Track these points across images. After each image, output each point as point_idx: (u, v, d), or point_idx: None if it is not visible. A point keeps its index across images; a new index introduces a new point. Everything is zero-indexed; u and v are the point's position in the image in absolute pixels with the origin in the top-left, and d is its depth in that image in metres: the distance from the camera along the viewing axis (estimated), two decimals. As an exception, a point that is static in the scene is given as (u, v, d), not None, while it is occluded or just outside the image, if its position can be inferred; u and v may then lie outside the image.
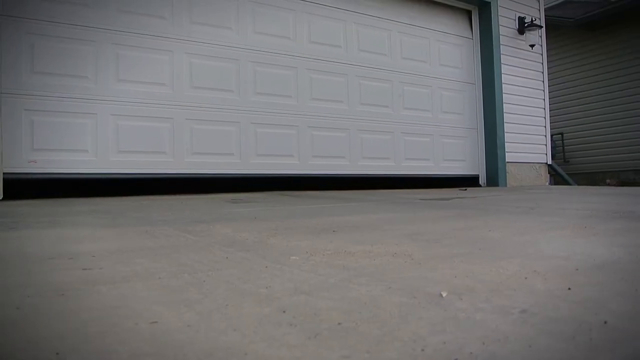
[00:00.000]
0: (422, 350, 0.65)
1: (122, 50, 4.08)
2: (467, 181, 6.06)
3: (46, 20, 3.76)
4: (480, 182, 6.03)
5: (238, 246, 1.60)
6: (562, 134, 9.50)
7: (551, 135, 9.57)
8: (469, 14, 6.04)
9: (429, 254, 1.40)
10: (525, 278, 1.07)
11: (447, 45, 5.89)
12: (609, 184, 8.45)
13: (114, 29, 4.03)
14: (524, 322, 0.76)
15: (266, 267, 1.27)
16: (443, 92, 5.83)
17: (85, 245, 1.69)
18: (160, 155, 4.21)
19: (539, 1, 6.45)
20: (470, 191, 4.86)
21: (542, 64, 6.45)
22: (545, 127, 6.47)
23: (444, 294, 0.94)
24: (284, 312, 0.85)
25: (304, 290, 1.01)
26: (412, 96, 5.59)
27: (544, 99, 6.47)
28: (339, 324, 0.78)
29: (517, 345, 0.66)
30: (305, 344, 0.69)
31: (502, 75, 5.95)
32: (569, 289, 0.97)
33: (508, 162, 5.99)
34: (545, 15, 9.07)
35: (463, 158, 6.01)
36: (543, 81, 6.46)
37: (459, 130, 5.93)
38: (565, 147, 9.48)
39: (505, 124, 5.94)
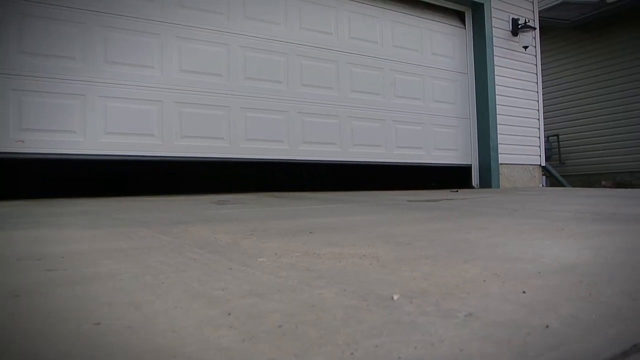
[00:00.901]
0: (352, 354, 0.65)
1: (110, 32, 4.05)
2: (460, 171, 6.07)
3: (35, 1, 3.74)
4: (473, 184, 6.02)
5: (209, 248, 1.59)
6: (558, 135, 9.49)
7: (547, 137, 9.57)
8: (461, 15, 6.04)
9: (397, 256, 1.39)
10: (484, 281, 1.06)
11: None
12: (604, 186, 8.43)
13: (103, 11, 4.00)
14: (465, 326, 0.75)
15: (230, 269, 1.27)
16: (435, 82, 5.84)
17: (58, 246, 1.68)
18: (148, 138, 4.17)
19: (532, 3, 6.44)
20: (462, 193, 4.85)
21: (536, 65, 6.45)
22: (539, 128, 6.46)
23: (396, 297, 0.93)
24: (229, 314, 0.85)
25: (259, 293, 1.00)
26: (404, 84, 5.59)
27: (538, 101, 6.46)
28: (280, 326, 0.77)
29: (449, 350, 0.66)
30: (237, 347, 0.69)
31: (496, 77, 5.94)
32: (524, 292, 0.96)
33: (501, 163, 5.98)
34: (541, 17, 9.08)
35: (455, 147, 6.02)
36: (537, 83, 6.45)
37: (451, 119, 5.92)
38: (561, 149, 9.47)
39: (498, 125, 5.93)
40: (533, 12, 6.42)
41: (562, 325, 0.75)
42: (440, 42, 5.86)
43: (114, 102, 4.05)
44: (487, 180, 5.88)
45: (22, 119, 3.69)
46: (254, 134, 4.64)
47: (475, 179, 6.00)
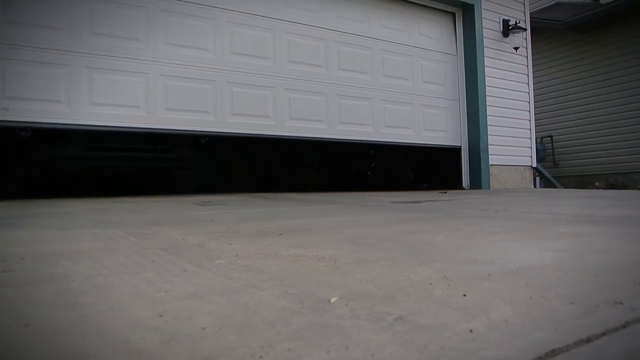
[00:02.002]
0: (261, 357, 0.64)
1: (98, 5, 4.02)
2: (449, 152, 6.09)
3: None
4: (463, 185, 6.01)
5: (173, 249, 1.59)
6: (551, 136, 9.47)
7: (541, 138, 9.57)
8: (452, 16, 6.03)
9: (356, 258, 1.38)
10: (430, 284, 1.05)
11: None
12: (597, 187, 8.42)
13: None
14: (388, 330, 0.74)
15: (185, 270, 1.26)
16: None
17: (23, 248, 1.67)
18: (135, 109, 4.12)
19: (523, 4, 6.43)
20: (450, 194, 4.84)
21: (527, 66, 6.44)
22: (530, 129, 6.45)
23: (333, 300, 0.92)
24: (160, 316, 0.84)
25: (200, 295, 1.00)
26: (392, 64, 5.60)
27: (529, 102, 6.45)
28: (203, 329, 0.76)
29: (360, 354, 0.65)
30: (152, 349, 0.68)
31: (486, 78, 5.93)
32: (464, 295, 0.96)
33: (492, 164, 5.97)
34: (535, 18, 9.08)
35: (445, 129, 6.01)
36: (528, 83, 6.44)
37: (440, 100, 5.94)
38: (555, 150, 9.46)
39: (488, 126, 5.92)
40: (524, 13, 6.41)
41: (487, 330, 0.74)
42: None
43: (100, 73, 3.98)
44: (477, 181, 5.87)
45: (6, 88, 3.61)
46: (240, 109, 4.60)
47: (465, 180, 5.99)
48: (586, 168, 9.06)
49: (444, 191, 5.24)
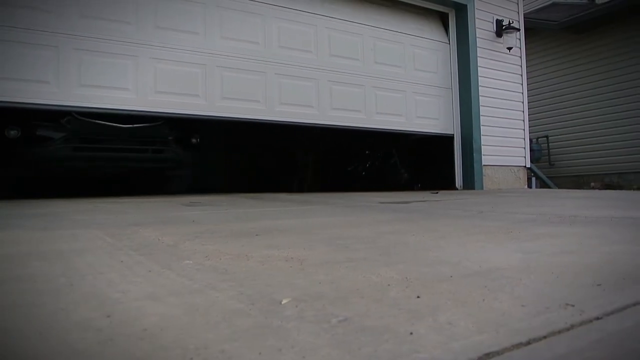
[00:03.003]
0: (191, 358, 0.64)
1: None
2: (442, 140, 6.09)
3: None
4: (456, 185, 5.99)
5: (145, 250, 1.58)
6: (547, 136, 9.46)
7: (537, 138, 9.56)
8: (445, 17, 6.02)
9: (324, 259, 1.38)
10: (388, 285, 1.05)
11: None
12: (593, 187, 8.40)
13: None
14: (329, 332, 0.74)
15: (150, 271, 1.26)
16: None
17: (1, 248, 1.67)
18: (123, 92, 4.08)
19: (517, 4, 6.42)
20: (441, 194, 4.84)
21: (521, 66, 6.42)
22: (524, 129, 6.43)
23: (285, 301, 0.92)
24: (108, 317, 0.84)
25: (156, 296, 1.00)
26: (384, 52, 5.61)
27: (523, 102, 6.44)
28: (145, 329, 0.76)
29: (292, 356, 0.65)
30: (89, 350, 0.68)
31: (479, 78, 5.92)
32: (418, 297, 0.95)
33: (485, 164, 5.96)
34: (530, 18, 9.07)
35: (437, 117, 6.00)
36: (522, 84, 6.42)
37: (432, 88, 5.94)
38: (550, 150, 9.44)
39: (482, 127, 5.91)
40: (518, 13, 6.39)
41: (428, 332, 0.74)
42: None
43: (88, 55, 3.93)
44: (471, 181, 5.85)
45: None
46: (230, 94, 4.58)
47: (458, 181, 5.97)
48: (582, 168, 9.04)
49: (436, 192, 5.23)
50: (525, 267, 1.24)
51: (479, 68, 5.94)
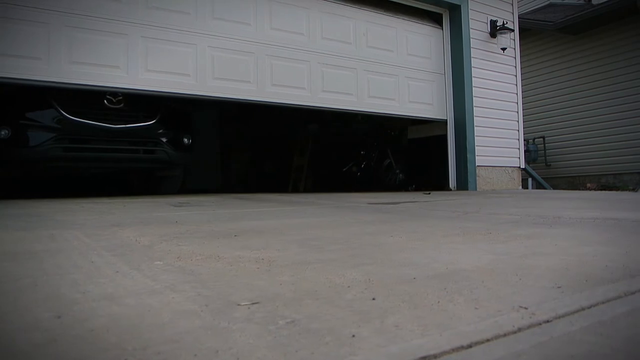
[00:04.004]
0: (126, 359, 0.64)
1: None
2: (435, 124, 6.15)
3: None
4: (450, 186, 5.99)
5: (119, 250, 1.58)
6: (544, 137, 9.45)
7: (533, 139, 9.56)
8: (439, 17, 6.01)
9: (294, 260, 1.38)
10: (348, 287, 1.05)
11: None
12: (589, 188, 8.40)
13: None
14: (273, 333, 0.74)
15: (116, 272, 1.26)
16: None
17: (-27, 248, 1.67)
18: (113, 70, 4.10)
19: (512, 4, 6.42)
20: (433, 195, 4.84)
21: (516, 67, 6.41)
22: (518, 130, 6.42)
23: (242, 303, 0.92)
24: (58, 317, 0.84)
25: (114, 296, 1.00)
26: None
27: (517, 103, 6.43)
28: (92, 330, 0.77)
29: (228, 358, 0.65)
30: (29, 350, 0.68)
31: (473, 79, 5.92)
32: (373, 299, 0.95)
33: (479, 165, 5.95)
34: (527, 19, 9.08)
35: (430, 102, 6.00)
36: (516, 84, 6.42)
37: (425, 73, 5.95)
38: (547, 151, 9.44)
39: (475, 127, 5.91)
40: (512, 13, 6.39)
41: (372, 335, 0.74)
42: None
43: (78, 32, 3.97)
44: (464, 182, 5.85)
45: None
46: (222, 74, 4.57)
47: (452, 182, 5.97)
48: (578, 169, 9.04)
49: (428, 192, 5.23)
50: (491, 269, 1.24)
51: (472, 69, 5.94)
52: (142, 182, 5.36)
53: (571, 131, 9.14)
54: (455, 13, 5.95)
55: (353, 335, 0.73)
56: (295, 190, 7.93)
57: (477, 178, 5.94)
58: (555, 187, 8.57)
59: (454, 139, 6.01)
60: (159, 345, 0.69)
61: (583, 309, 0.89)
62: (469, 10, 5.95)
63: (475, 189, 5.92)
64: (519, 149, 6.48)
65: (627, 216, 2.59)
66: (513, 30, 6.26)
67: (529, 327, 0.79)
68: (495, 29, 6.14)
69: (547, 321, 0.82)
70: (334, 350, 0.68)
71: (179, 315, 0.85)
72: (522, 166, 6.56)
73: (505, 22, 6.12)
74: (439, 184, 6.16)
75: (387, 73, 5.65)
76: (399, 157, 6.95)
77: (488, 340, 0.73)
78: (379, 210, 3.13)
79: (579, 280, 1.12)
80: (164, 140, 4.39)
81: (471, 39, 5.96)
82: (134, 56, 4.17)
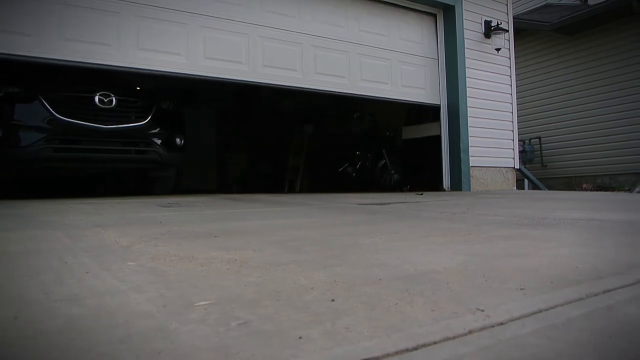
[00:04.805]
0: (65, 363, 0.64)
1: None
2: (429, 109, 6.17)
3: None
4: (444, 186, 6.00)
5: (96, 251, 1.59)
6: (540, 138, 9.45)
7: (529, 140, 9.55)
8: (434, 17, 6.02)
9: (267, 261, 1.38)
10: (311, 288, 1.06)
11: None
12: (585, 189, 8.40)
13: None
14: (221, 335, 0.75)
15: (87, 272, 1.26)
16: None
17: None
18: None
19: (506, 5, 6.41)
20: (426, 195, 4.84)
21: (510, 67, 6.41)
22: (512, 131, 6.42)
23: (199, 304, 0.92)
24: (15, 318, 0.85)
25: (77, 297, 1.00)
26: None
27: (512, 103, 6.43)
28: (42, 332, 0.77)
29: (167, 359, 0.65)
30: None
31: (467, 79, 5.92)
32: (333, 300, 0.96)
33: (473, 166, 5.95)
34: (523, 20, 9.08)
35: (423, 86, 6.00)
36: (511, 85, 6.41)
37: (419, 58, 5.97)
38: (543, 152, 9.43)
39: (469, 127, 5.91)
40: (507, 14, 6.39)
41: (319, 337, 0.74)
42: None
43: (73, 9, 4.01)
44: (458, 183, 5.85)
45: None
46: (213, 54, 4.59)
47: (445, 182, 5.97)
48: (574, 170, 9.04)
49: (421, 193, 5.23)
50: (460, 271, 1.24)
51: (467, 69, 5.94)
52: (136, 182, 5.36)
53: (567, 132, 9.14)
54: (449, 13, 5.96)
55: (300, 337, 0.73)
56: (292, 190, 7.94)
57: (471, 178, 5.94)
58: (551, 188, 8.57)
59: (448, 139, 6.01)
60: (105, 346, 0.69)
61: (540, 311, 0.90)
62: (463, 11, 5.96)
63: (469, 190, 5.92)
64: (513, 149, 6.48)
65: (613, 217, 2.60)
66: (507, 31, 6.26)
67: (481, 329, 0.79)
68: (489, 30, 6.14)
69: (501, 323, 0.82)
70: (277, 352, 0.68)
71: (135, 316, 0.85)
72: (517, 167, 6.56)
73: (499, 23, 6.12)
74: (434, 184, 6.17)
75: (380, 57, 5.66)
76: (394, 158, 6.96)
77: (435, 342, 0.73)
78: (366, 211, 3.13)
79: (545, 282, 1.12)
80: (156, 140, 4.39)
81: (465, 40, 5.96)
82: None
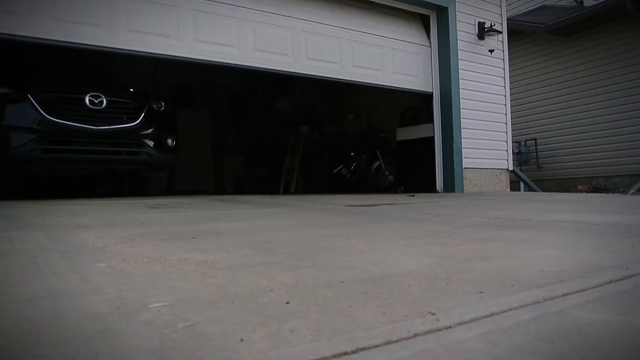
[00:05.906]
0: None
1: None
2: (422, 97, 6.18)
3: None
4: (437, 188, 6.00)
5: (71, 253, 1.60)
6: (535, 139, 9.45)
7: (525, 141, 9.55)
8: (426, 19, 6.02)
9: (236, 263, 1.39)
10: (271, 290, 1.06)
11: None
12: (580, 190, 8.40)
13: None
14: (164, 337, 0.75)
15: (54, 274, 1.26)
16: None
17: None
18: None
19: (500, 6, 6.42)
20: (418, 197, 4.84)
21: (504, 69, 6.42)
22: (506, 132, 6.43)
23: (152, 305, 0.93)
24: (-34, 322, 0.85)
25: (35, 298, 1.00)
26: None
27: (506, 104, 6.43)
28: (-8, 334, 0.77)
29: (102, 363, 0.66)
30: None
31: (460, 81, 5.93)
32: (287, 303, 0.96)
33: (466, 167, 5.95)
34: (518, 21, 9.08)
35: (415, 74, 6.01)
36: (505, 86, 6.42)
37: (411, 45, 5.99)
38: (538, 153, 9.43)
39: (462, 129, 5.91)
40: (500, 15, 6.39)
41: (261, 340, 0.75)
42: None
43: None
44: (451, 184, 5.85)
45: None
46: (205, 37, 4.60)
47: (439, 184, 5.97)
48: (570, 171, 9.03)
49: (412, 194, 5.23)
50: (425, 273, 1.24)
51: (460, 71, 5.95)
52: (131, 183, 5.37)
53: (562, 133, 9.14)
54: (443, 15, 5.96)
55: (242, 340, 0.74)
56: (287, 191, 7.96)
57: (464, 180, 5.94)
58: (546, 190, 8.57)
59: (441, 140, 6.02)
60: (43, 348, 0.70)
61: (492, 315, 0.90)
62: (457, 12, 5.96)
63: (462, 191, 5.92)
64: (507, 151, 6.48)
65: (597, 219, 2.60)
66: (501, 32, 6.27)
67: (426, 333, 0.80)
68: (483, 31, 6.15)
69: (448, 327, 0.82)
70: (213, 354, 0.68)
71: (86, 317, 0.85)
72: (511, 168, 6.56)
73: (493, 24, 6.13)
74: (427, 186, 6.17)
75: (372, 43, 5.69)
76: (388, 159, 6.97)
77: (376, 346, 0.74)
78: (352, 212, 3.13)
79: (506, 285, 1.12)
80: (147, 141, 4.40)
81: (458, 41, 5.97)
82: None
